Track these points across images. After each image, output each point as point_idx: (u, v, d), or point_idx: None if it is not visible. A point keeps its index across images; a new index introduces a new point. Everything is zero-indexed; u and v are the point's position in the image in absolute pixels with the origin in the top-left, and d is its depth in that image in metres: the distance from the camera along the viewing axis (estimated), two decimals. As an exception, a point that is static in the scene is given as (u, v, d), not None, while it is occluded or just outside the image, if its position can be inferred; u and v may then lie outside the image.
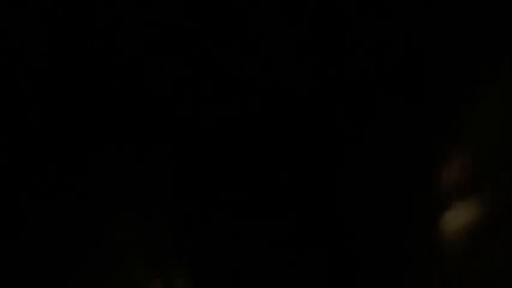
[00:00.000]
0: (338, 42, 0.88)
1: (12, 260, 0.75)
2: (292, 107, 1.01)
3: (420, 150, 0.80)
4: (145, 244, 0.91)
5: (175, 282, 0.94)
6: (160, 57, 0.78)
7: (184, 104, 0.88)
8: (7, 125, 0.79)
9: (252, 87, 0.87)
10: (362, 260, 1.03)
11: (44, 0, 0.75)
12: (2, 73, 0.74)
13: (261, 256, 1.03)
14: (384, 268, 1.01)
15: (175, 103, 0.86)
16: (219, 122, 0.94)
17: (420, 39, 0.78)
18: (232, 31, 0.84)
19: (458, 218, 0.77)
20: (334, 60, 0.92)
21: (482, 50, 0.74)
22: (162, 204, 0.90)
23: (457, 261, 0.82)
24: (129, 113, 0.85)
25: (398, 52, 0.83)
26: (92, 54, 0.76)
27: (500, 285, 0.83)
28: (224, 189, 0.95)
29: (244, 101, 0.96)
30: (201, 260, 0.92)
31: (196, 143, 0.91)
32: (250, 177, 0.99)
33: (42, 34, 0.76)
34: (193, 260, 0.91)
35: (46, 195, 0.77)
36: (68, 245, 0.78)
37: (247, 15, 0.85)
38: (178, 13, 0.77)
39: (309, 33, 0.81)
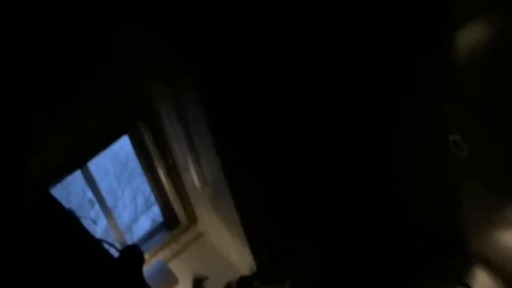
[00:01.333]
0: None
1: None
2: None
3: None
4: (154, 55, 0.95)
5: (183, 93, 0.97)
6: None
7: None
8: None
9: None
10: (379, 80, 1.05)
11: None
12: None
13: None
14: (403, 83, 1.02)
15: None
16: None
17: None
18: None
19: (473, 34, 0.76)
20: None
21: None
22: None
23: (469, 73, 0.82)
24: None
25: None
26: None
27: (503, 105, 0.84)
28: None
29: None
30: (210, 72, 0.93)
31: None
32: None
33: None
34: (201, 71, 0.92)
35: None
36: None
37: None
38: None
39: None
